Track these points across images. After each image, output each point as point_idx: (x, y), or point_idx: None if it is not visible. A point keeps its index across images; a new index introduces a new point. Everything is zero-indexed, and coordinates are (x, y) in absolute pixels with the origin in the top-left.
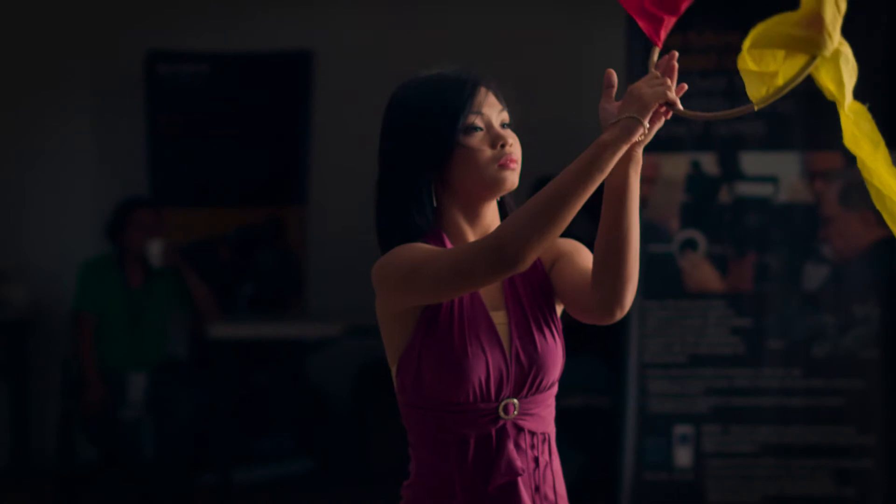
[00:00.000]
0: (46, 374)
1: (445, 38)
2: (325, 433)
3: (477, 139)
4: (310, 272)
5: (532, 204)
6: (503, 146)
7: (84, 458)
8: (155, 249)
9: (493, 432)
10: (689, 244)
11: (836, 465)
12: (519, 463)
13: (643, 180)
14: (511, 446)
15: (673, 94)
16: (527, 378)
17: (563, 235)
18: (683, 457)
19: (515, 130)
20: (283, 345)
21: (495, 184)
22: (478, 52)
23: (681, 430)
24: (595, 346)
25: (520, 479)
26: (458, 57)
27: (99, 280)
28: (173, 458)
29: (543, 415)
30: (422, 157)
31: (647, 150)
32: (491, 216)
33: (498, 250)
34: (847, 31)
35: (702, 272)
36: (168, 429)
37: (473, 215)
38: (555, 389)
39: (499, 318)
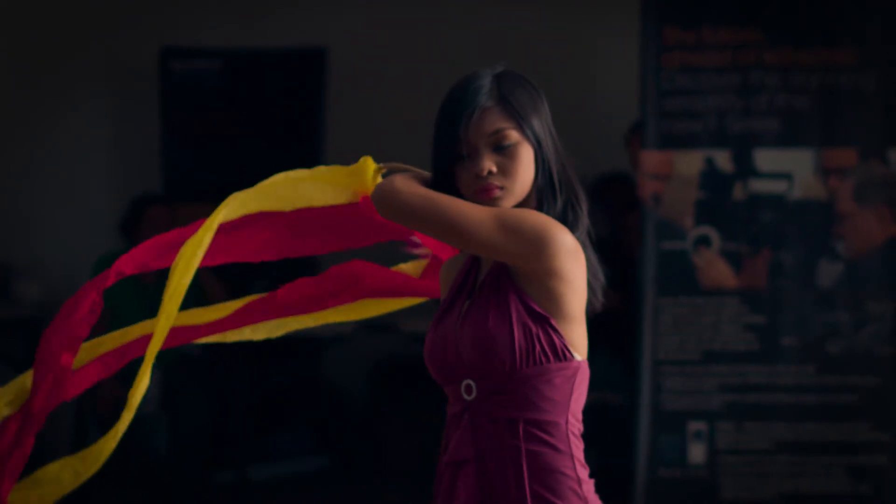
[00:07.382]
0: None
1: (459, 36)
2: (341, 430)
3: (462, 167)
4: (324, 268)
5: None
6: (478, 176)
7: None
8: None
9: (459, 412)
10: (704, 241)
11: (851, 462)
12: (464, 446)
13: (658, 177)
14: (466, 427)
15: None
16: (477, 362)
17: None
18: (697, 454)
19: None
20: (298, 342)
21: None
22: (492, 49)
23: (695, 426)
24: (609, 342)
25: (473, 461)
26: (471, 55)
27: None
28: (187, 456)
29: (516, 401)
30: (436, 166)
31: (661, 146)
32: None
33: None
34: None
35: (716, 269)
36: (182, 426)
37: None
38: (527, 374)
39: (467, 304)
